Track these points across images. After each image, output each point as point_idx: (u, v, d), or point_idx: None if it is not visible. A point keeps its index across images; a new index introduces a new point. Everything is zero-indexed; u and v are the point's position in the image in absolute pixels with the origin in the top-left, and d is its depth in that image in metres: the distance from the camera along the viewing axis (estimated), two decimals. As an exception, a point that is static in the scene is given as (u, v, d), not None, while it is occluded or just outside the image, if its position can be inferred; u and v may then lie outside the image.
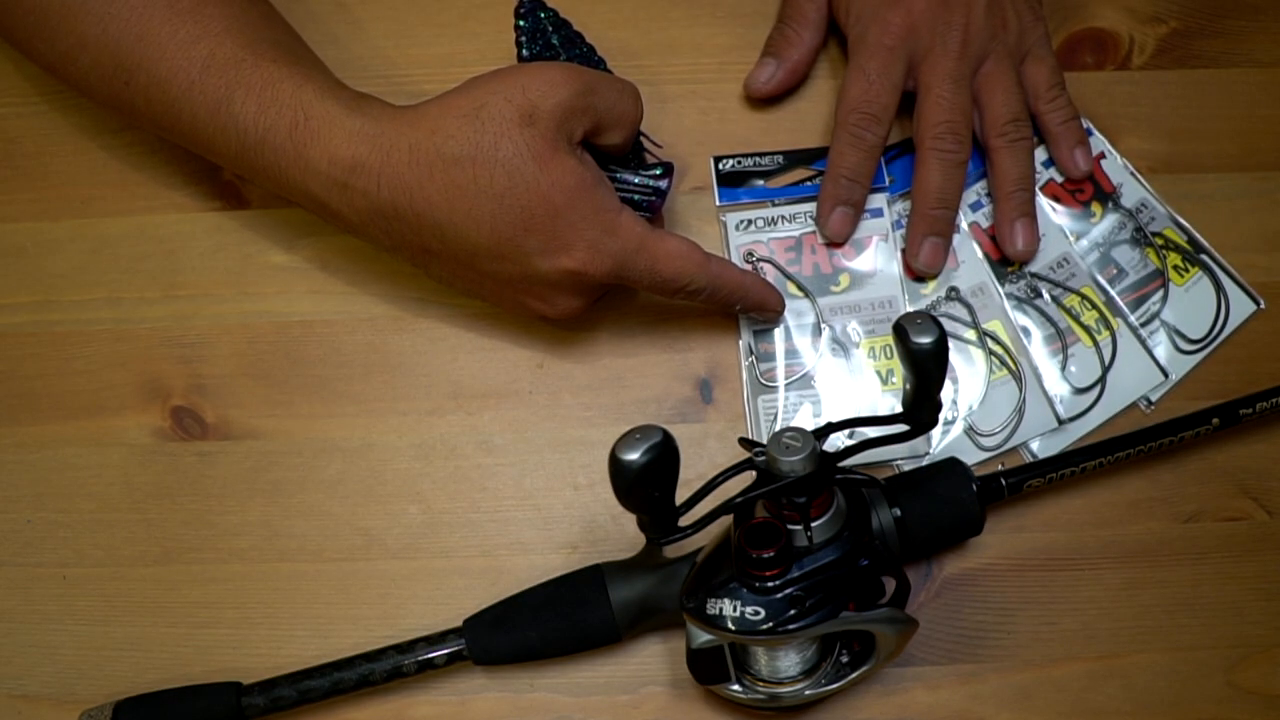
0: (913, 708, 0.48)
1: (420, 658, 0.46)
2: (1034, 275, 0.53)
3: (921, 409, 0.41)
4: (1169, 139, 0.55)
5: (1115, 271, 0.53)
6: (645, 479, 0.36)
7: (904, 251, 0.53)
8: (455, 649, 0.46)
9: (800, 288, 0.52)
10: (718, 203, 0.54)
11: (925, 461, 0.50)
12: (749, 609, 0.40)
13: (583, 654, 0.47)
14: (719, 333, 0.52)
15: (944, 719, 0.48)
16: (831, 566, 0.41)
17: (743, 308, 0.49)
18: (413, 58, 0.55)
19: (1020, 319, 0.52)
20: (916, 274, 0.53)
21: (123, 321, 0.52)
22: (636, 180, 0.48)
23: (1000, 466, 0.50)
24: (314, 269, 0.53)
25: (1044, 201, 0.54)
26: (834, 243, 0.53)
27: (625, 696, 0.48)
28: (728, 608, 0.40)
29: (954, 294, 0.53)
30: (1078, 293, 0.52)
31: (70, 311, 0.53)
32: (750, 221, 0.53)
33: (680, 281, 0.46)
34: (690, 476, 0.50)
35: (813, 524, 0.41)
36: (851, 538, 0.42)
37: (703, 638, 0.43)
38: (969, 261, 0.53)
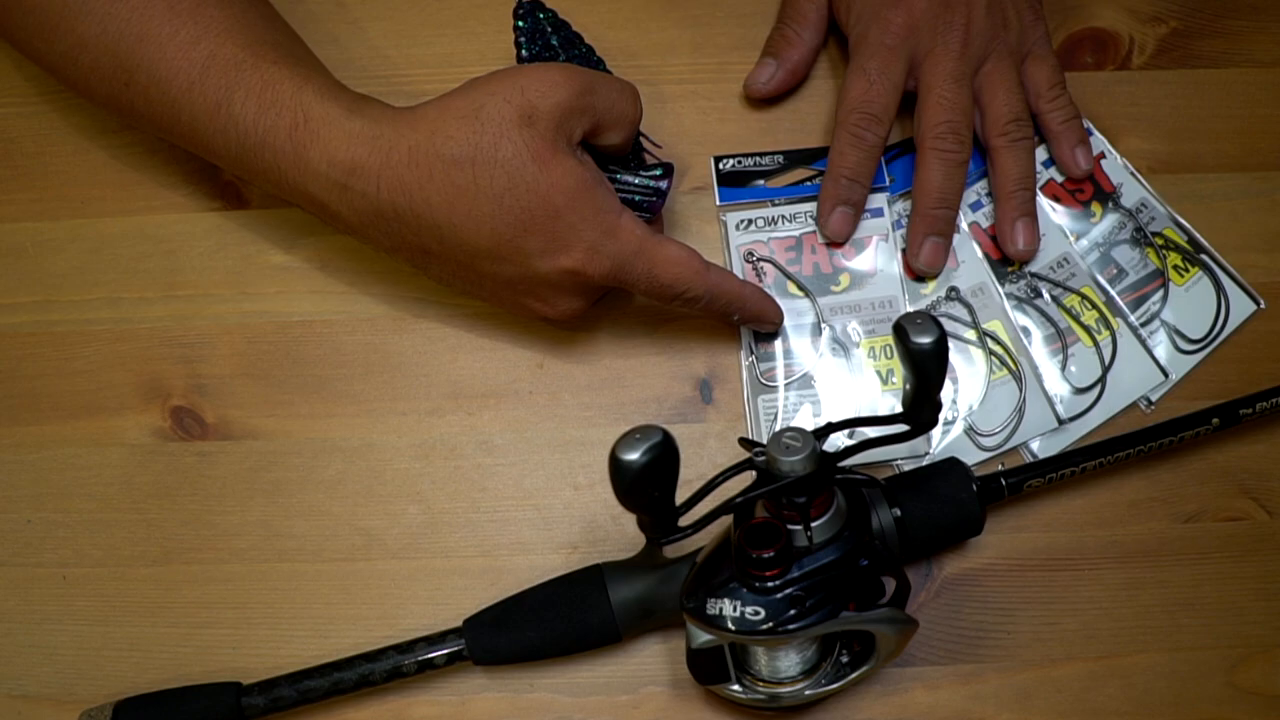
0: (913, 708, 0.48)
1: (420, 658, 0.46)
2: (1034, 275, 0.53)
3: (921, 409, 0.41)
4: (1169, 139, 0.55)
5: (1115, 271, 0.53)
6: (645, 479, 0.36)
7: (904, 251, 0.53)
8: (455, 649, 0.46)
9: (800, 287, 0.52)
10: (718, 202, 0.54)
11: (925, 461, 0.50)
12: (749, 609, 0.40)
13: (583, 654, 0.47)
14: (719, 333, 0.52)
15: (944, 719, 0.48)
16: (831, 566, 0.41)
17: (740, 318, 0.49)
18: (412, 58, 0.55)
19: (1020, 319, 0.52)
20: (917, 274, 0.53)
21: (123, 321, 0.52)
22: (636, 181, 0.48)
23: (1000, 466, 0.50)
24: (314, 269, 0.53)
25: (1044, 201, 0.54)
26: (834, 242, 0.53)
27: (625, 696, 0.48)
28: (728, 608, 0.40)
29: (954, 294, 0.53)
30: (1078, 293, 0.52)
31: (70, 311, 0.53)
32: (750, 221, 0.53)
33: (678, 288, 0.46)
34: (690, 476, 0.50)
35: (813, 524, 0.41)
36: (851, 538, 0.42)
37: (703, 638, 0.43)
38: (969, 261, 0.53)
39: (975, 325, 0.52)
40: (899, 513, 0.45)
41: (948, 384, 0.50)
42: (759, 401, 0.51)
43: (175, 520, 0.50)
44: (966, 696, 0.48)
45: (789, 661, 0.44)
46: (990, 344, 0.52)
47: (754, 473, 0.42)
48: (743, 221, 0.53)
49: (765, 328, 0.51)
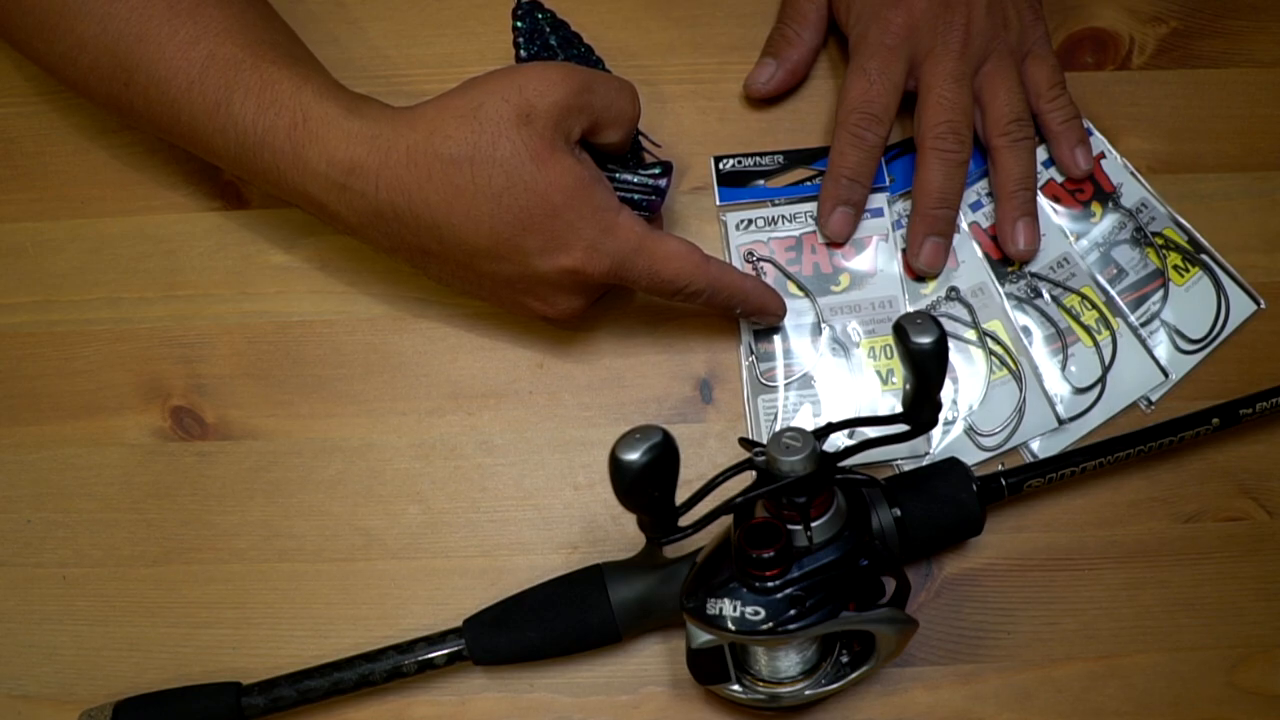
0: (913, 708, 0.48)
1: (420, 658, 0.46)
2: (1034, 275, 0.53)
3: (921, 409, 0.41)
4: (1169, 139, 0.55)
5: (1115, 271, 0.53)
6: (645, 479, 0.36)
7: (904, 251, 0.53)
8: (455, 649, 0.46)
9: (800, 287, 0.52)
10: (718, 202, 0.54)
11: (925, 461, 0.50)
12: (749, 609, 0.40)
13: (583, 654, 0.47)
14: (719, 333, 0.52)
15: (944, 719, 0.48)
16: (831, 566, 0.41)
17: (743, 311, 0.49)
18: (412, 58, 0.55)
19: (1020, 319, 0.52)
20: (917, 274, 0.53)
21: (123, 321, 0.52)
22: (635, 180, 0.48)
23: (1000, 466, 0.50)
24: (314, 269, 0.53)
25: (1044, 201, 0.54)
26: (834, 242, 0.53)
27: (625, 696, 0.48)
28: (728, 608, 0.40)
29: (954, 294, 0.53)
30: (1078, 293, 0.52)
31: (70, 311, 0.53)
32: (750, 221, 0.53)
33: (679, 283, 0.46)
34: (690, 476, 0.50)
35: (813, 524, 0.41)
36: (851, 538, 0.41)
37: (703, 638, 0.43)
38: (969, 261, 0.53)
39: (975, 325, 0.52)
40: (899, 513, 0.45)
41: (948, 384, 0.49)
42: (759, 401, 0.51)
43: (175, 520, 0.50)
44: (966, 696, 0.48)
45: (789, 661, 0.44)
46: (990, 344, 0.52)
47: (754, 473, 0.42)
48: (743, 221, 0.53)
49: (768, 320, 0.51)
